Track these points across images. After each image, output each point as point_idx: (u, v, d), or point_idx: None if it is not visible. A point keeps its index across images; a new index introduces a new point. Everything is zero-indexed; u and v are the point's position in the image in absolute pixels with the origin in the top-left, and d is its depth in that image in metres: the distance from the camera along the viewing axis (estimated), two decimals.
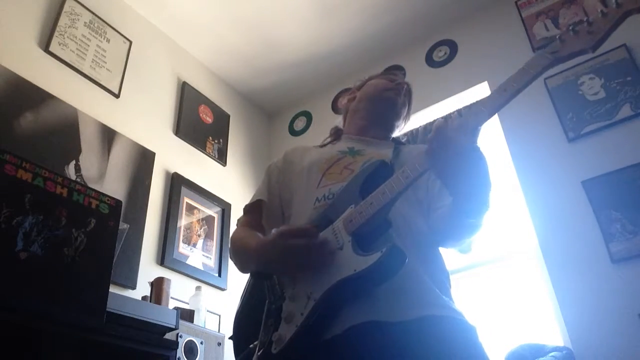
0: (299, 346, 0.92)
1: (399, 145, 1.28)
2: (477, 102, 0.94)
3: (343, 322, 0.92)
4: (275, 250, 0.99)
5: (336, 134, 1.40)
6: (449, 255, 1.14)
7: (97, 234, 1.52)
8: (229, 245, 1.25)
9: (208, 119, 3.34)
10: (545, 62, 0.89)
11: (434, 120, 3.05)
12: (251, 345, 1.02)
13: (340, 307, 0.93)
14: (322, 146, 1.36)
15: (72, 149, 2.37)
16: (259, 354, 0.98)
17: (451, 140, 0.90)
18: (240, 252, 1.19)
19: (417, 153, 1.00)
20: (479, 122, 0.91)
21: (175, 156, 2.96)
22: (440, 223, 1.06)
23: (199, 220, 2.92)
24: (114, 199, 1.63)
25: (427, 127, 3.01)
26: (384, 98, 1.34)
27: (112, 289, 1.61)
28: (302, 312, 0.94)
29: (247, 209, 1.28)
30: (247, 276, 1.24)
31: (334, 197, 1.08)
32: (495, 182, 0.97)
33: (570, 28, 0.89)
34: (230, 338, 1.16)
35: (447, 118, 0.93)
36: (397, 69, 1.50)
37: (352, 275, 0.89)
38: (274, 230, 1.02)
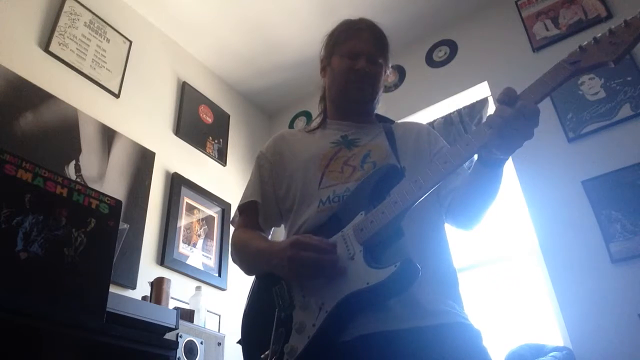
0: (311, 357, 0.92)
1: (388, 127, 1.24)
2: (484, 124, 0.92)
3: (353, 331, 0.92)
4: (286, 259, 0.97)
5: (323, 114, 1.32)
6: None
7: (97, 234, 1.52)
8: (231, 248, 1.22)
9: (208, 119, 3.34)
10: (566, 74, 0.86)
11: (434, 120, 3.05)
12: (262, 356, 1.01)
13: (351, 318, 0.93)
14: (310, 131, 1.29)
15: (72, 149, 2.37)
16: None
17: (514, 127, 0.88)
18: (248, 254, 1.17)
19: (417, 138, 1.13)
20: (536, 102, 0.89)
21: (175, 156, 2.96)
22: (458, 202, 1.08)
23: (199, 220, 2.92)
24: (114, 199, 1.63)
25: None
26: (350, 98, 1.24)
27: (112, 289, 1.61)
28: (313, 323, 0.93)
29: (242, 209, 1.24)
30: (248, 277, 1.22)
31: (339, 200, 1.06)
32: None
33: (592, 38, 0.85)
34: (238, 342, 1.14)
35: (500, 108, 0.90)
36: (360, 29, 1.25)
37: (365, 288, 0.89)
38: (287, 239, 1.01)
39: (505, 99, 0.89)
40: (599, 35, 0.84)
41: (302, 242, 0.97)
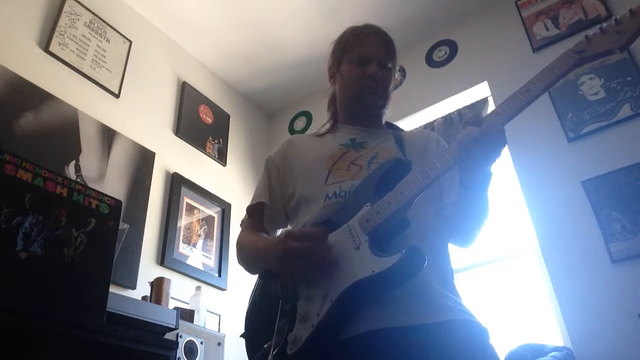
0: (315, 347, 0.91)
1: (398, 134, 1.25)
2: (501, 104, 0.93)
3: (359, 325, 0.91)
4: (277, 251, 0.97)
5: (333, 119, 1.33)
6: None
7: (97, 234, 1.52)
8: (237, 250, 1.23)
9: (208, 119, 3.34)
10: (571, 63, 0.87)
11: (434, 120, 3.05)
12: (265, 345, 1.00)
13: (357, 308, 0.92)
14: (320, 135, 1.30)
15: (72, 149, 2.37)
16: (273, 353, 0.96)
17: (480, 145, 0.90)
18: (248, 254, 1.18)
19: (425, 144, 1.13)
20: (502, 123, 0.92)
21: (175, 156, 2.96)
22: (452, 216, 1.07)
23: (199, 220, 2.92)
24: (114, 199, 1.63)
25: (428, 127, 3.01)
26: (364, 104, 1.24)
27: (112, 289, 1.61)
28: (318, 313, 0.92)
29: (250, 211, 1.26)
30: (249, 276, 1.23)
31: (346, 194, 1.06)
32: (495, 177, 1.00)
33: (598, 27, 0.85)
34: (241, 336, 1.14)
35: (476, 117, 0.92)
36: (367, 35, 1.25)
37: (370, 276, 0.88)
38: (281, 232, 1.02)
39: (472, 120, 0.92)
40: (605, 24, 0.85)
41: (293, 232, 0.97)
